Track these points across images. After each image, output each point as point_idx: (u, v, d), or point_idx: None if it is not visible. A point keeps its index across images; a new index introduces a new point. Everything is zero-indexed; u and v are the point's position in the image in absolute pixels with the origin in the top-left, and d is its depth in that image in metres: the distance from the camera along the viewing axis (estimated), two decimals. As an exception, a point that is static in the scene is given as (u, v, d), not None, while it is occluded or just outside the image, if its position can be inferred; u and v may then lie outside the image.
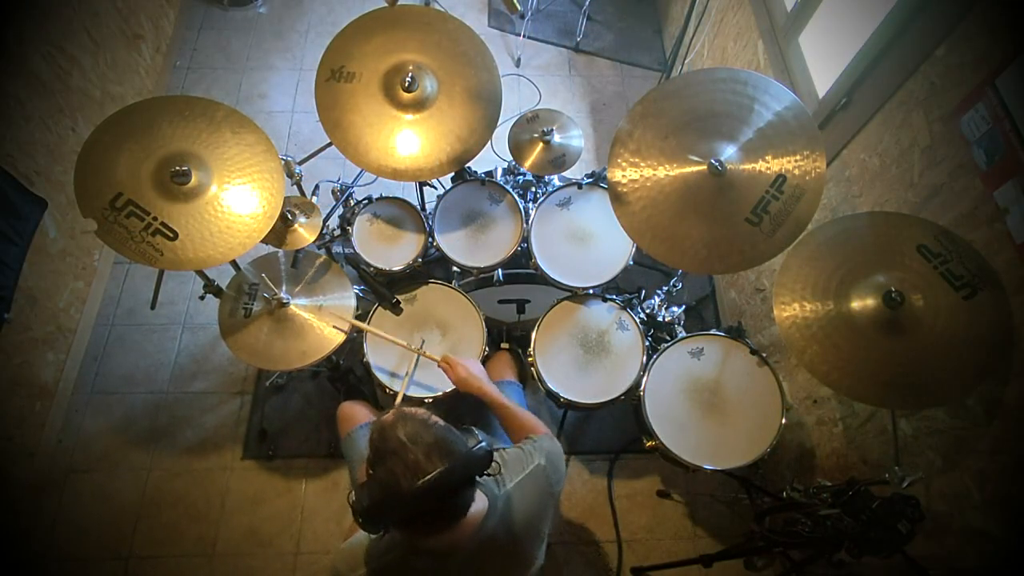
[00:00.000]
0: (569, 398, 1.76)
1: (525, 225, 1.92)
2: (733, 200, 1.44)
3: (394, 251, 1.93)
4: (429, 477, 0.90)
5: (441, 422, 1.00)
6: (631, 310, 1.89)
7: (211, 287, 1.76)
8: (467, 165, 1.82)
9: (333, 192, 1.98)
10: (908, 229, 1.34)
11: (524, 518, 1.15)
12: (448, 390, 1.70)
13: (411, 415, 0.99)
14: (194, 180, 1.43)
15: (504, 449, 1.25)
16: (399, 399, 1.64)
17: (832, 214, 1.81)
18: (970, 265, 1.26)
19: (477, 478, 1.01)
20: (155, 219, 1.41)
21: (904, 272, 1.30)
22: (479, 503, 1.07)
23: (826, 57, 1.95)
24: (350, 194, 2.02)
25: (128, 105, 1.48)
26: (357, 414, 1.73)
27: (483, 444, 1.00)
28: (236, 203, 1.47)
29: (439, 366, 1.56)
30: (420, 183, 2.10)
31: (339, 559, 1.17)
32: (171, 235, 1.42)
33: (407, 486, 0.90)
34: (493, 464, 1.02)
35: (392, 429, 0.96)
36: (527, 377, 1.89)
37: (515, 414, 1.40)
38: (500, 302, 2.07)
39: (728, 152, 1.45)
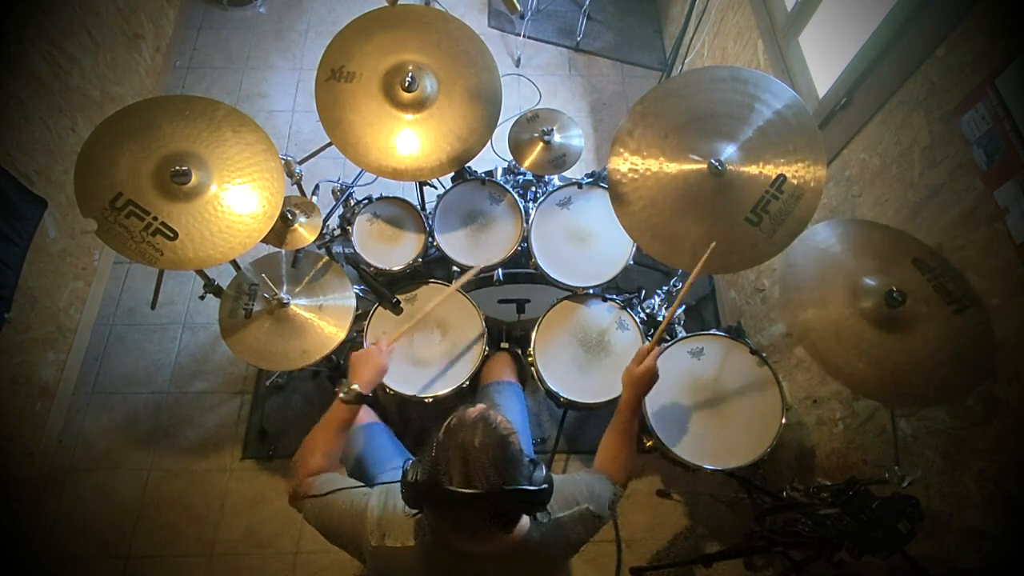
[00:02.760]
0: (569, 398, 1.76)
1: (525, 225, 1.92)
2: (733, 200, 1.44)
3: (394, 251, 1.93)
4: (469, 491, 0.89)
5: (517, 445, 0.96)
6: (631, 310, 1.89)
7: (211, 287, 1.76)
8: (467, 165, 1.82)
9: (333, 192, 1.98)
10: (904, 243, 1.36)
11: (553, 552, 1.14)
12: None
13: (495, 423, 0.96)
14: (194, 180, 1.43)
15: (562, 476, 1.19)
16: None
17: (832, 214, 1.81)
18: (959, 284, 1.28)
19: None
20: (155, 219, 1.41)
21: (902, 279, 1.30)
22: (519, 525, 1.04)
23: (826, 57, 1.95)
24: (350, 194, 2.02)
25: (128, 105, 1.48)
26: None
27: (545, 487, 0.96)
28: (236, 203, 1.47)
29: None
30: (420, 183, 2.10)
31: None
32: (171, 235, 1.42)
33: (446, 484, 0.90)
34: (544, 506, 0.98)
35: (470, 426, 0.94)
36: (527, 377, 1.88)
37: (624, 444, 1.34)
38: (500, 302, 2.07)
39: (728, 152, 1.45)
